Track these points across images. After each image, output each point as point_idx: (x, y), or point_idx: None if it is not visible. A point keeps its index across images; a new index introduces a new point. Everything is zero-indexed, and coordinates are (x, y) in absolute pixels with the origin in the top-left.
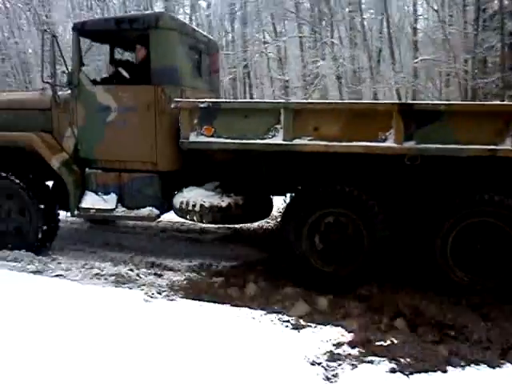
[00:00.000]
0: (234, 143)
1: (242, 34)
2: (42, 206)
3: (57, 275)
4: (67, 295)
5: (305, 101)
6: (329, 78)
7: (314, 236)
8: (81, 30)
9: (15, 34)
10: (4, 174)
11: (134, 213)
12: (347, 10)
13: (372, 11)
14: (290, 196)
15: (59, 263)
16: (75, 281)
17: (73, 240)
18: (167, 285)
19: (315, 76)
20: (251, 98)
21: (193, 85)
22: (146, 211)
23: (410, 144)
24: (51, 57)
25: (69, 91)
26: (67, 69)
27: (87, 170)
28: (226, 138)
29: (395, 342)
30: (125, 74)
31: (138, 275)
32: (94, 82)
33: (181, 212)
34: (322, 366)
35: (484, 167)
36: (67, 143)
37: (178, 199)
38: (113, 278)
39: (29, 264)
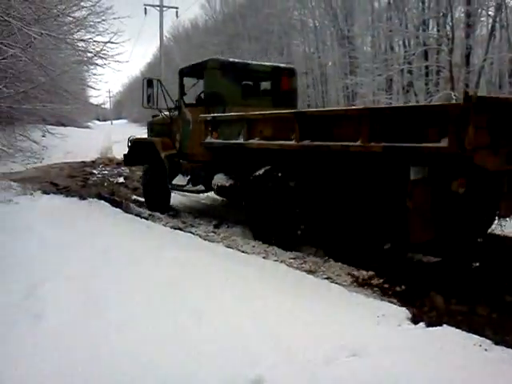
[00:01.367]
0: (222, 142)
1: None
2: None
3: None
4: None
5: (256, 112)
6: None
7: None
8: (180, 73)
9: (319, 49)
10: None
11: (194, 188)
12: None
13: None
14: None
15: None
16: None
17: None
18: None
19: None
20: None
21: (244, 103)
22: (200, 187)
23: (306, 142)
24: (156, 93)
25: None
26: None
27: (181, 161)
28: (220, 140)
29: None
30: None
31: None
32: (186, 105)
33: (212, 189)
34: None
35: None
36: (176, 144)
37: (211, 181)
38: None
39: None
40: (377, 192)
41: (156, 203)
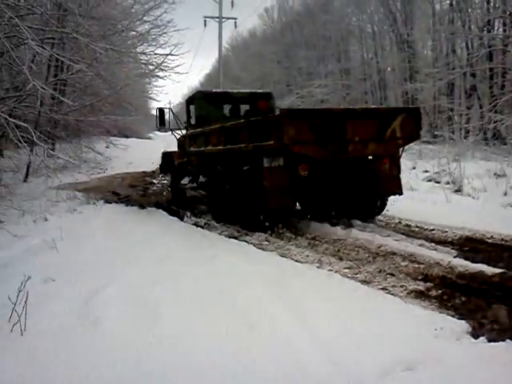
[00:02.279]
0: (195, 150)
1: None
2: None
3: None
4: None
5: (206, 128)
6: None
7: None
8: (186, 102)
9: (378, 55)
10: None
11: (190, 186)
12: None
13: None
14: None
15: None
16: None
17: None
18: None
19: None
20: None
21: (226, 122)
22: (193, 185)
23: (224, 146)
24: (168, 117)
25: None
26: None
27: (189, 166)
28: (196, 149)
29: None
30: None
31: None
32: (190, 125)
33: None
34: None
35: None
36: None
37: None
38: None
39: None
40: (255, 175)
41: (176, 200)
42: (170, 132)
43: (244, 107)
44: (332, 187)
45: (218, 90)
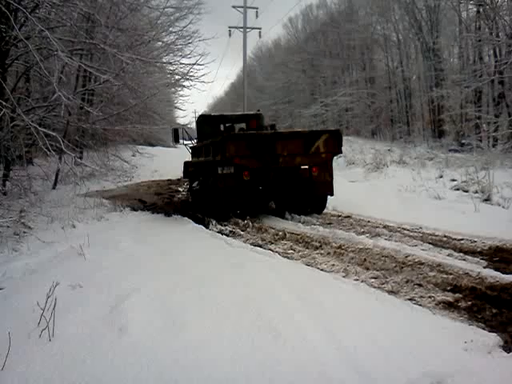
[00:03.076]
0: (191, 161)
1: None
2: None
3: None
4: None
5: (198, 144)
6: None
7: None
8: (196, 122)
9: (403, 63)
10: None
11: (195, 188)
12: None
13: None
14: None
15: None
16: None
17: None
18: None
19: None
20: None
21: None
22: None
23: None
24: (182, 136)
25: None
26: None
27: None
28: (193, 160)
29: None
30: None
31: None
32: (198, 140)
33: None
34: None
35: None
36: None
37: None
38: None
39: None
40: (214, 179)
41: (193, 202)
42: (184, 145)
43: (238, 126)
44: (268, 187)
45: (216, 114)
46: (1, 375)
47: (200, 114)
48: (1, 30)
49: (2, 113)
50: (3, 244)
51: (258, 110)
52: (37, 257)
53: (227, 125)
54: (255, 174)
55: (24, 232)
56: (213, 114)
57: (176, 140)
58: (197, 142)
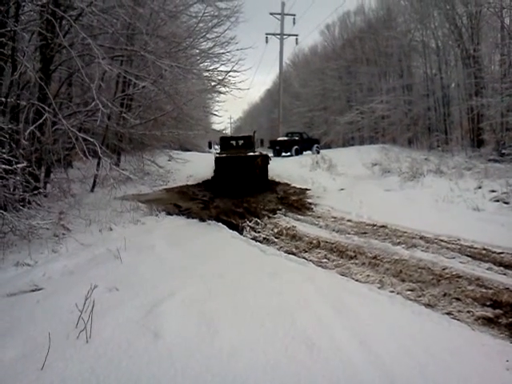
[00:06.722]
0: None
1: None
2: None
3: None
4: None
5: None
6: None
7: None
8: (220, 139)
9: (442, 70)
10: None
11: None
12: None
13: None
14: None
15: None
16: None
17: None
18: None
19: None
20: None
21: (233, 149)
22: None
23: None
24: (208, 144)
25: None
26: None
27: None
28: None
29: None
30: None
31: None
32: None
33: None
34: None
35: None
36: None
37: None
38: None
39: None
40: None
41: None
42: (214, 150)
43: (240, 141)
44: (236, 171)
45: (230, 135)
46: (40, 375)
47: (220, 136)
48: (47, 37)
49: (44, 117)
50: (43, 245)
51: (254, 132)
52: (75, 258)
53: (233, 142)
54: (230, 162)
55: (63, 234)
56: (230, 135)
57: (210, 147)
58: (220, 151)
